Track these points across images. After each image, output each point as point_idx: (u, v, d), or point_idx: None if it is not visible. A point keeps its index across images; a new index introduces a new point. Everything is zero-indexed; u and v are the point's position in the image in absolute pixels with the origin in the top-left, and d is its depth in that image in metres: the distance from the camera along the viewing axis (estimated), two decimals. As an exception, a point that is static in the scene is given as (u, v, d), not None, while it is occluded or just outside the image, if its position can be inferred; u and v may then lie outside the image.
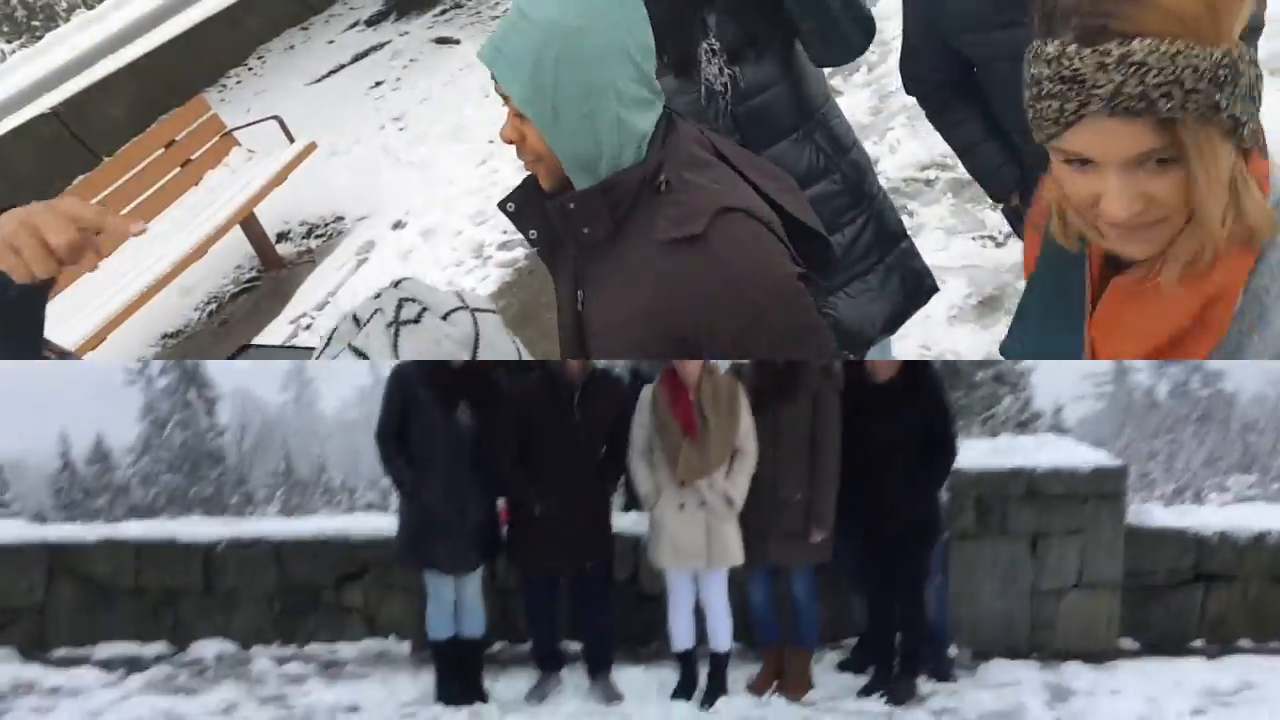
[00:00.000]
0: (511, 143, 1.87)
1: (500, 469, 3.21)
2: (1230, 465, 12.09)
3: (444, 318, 1.53)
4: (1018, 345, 1.66)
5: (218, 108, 9.44)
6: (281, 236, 8.92)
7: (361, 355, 1.48)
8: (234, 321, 8.08)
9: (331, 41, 13.32)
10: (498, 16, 10.78)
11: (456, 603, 3.30)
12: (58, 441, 19.96)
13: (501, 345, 1.57)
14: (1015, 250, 4.66)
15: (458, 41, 11.17)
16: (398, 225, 8.13)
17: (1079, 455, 3.58)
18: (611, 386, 3.31)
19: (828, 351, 2.01)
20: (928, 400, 3.18)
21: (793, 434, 3.12)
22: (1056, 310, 1.54)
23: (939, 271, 3.33)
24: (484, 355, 1.54)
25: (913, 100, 3.04)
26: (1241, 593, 3.64)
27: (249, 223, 8.26)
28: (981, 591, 3.48)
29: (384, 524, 3.75)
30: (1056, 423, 13.33)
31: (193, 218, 8.01)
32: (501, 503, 3.36)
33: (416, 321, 1.51)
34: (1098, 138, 1.23)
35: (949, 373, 12.02)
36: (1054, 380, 13.77)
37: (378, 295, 1.56)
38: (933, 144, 3.03)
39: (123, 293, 7.20)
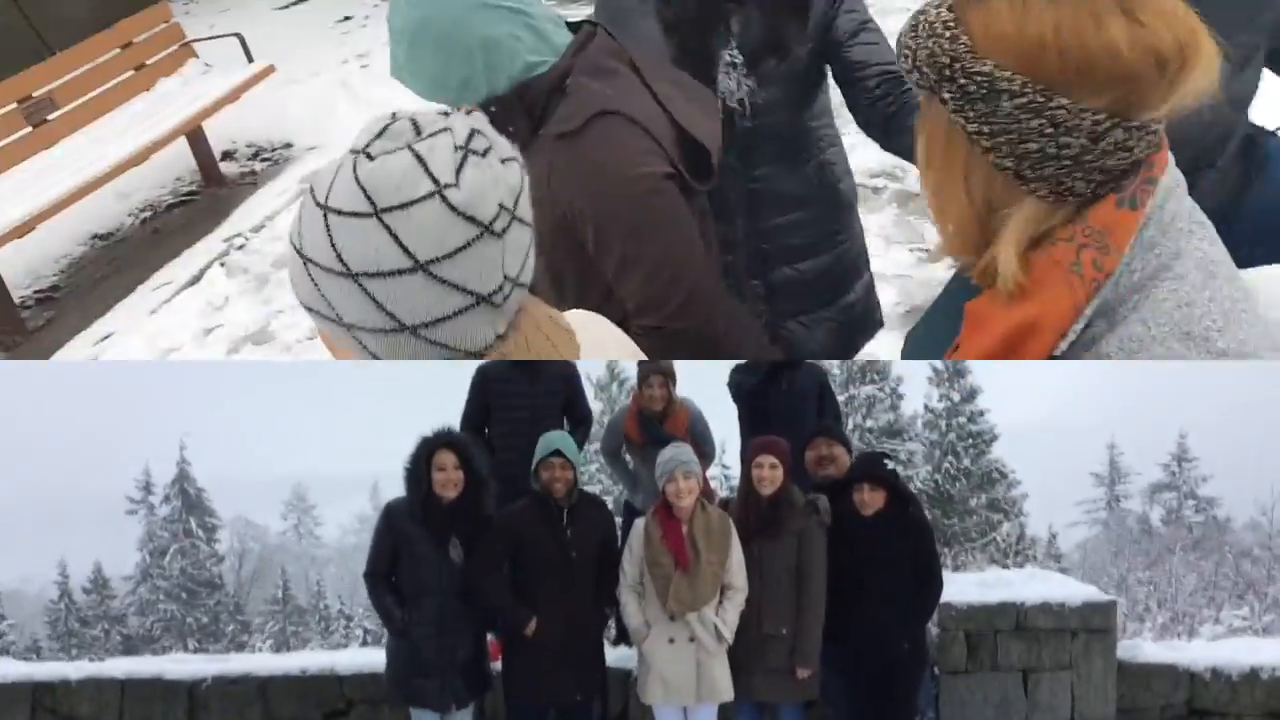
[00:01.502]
0: None
1: (485, 586, 3.18)
2: (1224, 596, 11.97)
3: (503, 162, 1.46)
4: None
5: (181, 19, 9.29)
6: (227, 155, 8.83)
7: (419, 159, 1.39)
8: (166, 232, 7.96)
9: (307, -30, 13.22)
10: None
11: (444, 742, 3.26)
12: (56, 571, 19.79)
13: (527, 207, 1.50)
14: (948, 264, 4.69)
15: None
16: (346, 159, 8.23)
17: (1068, 589, 3.57)
18: (597, 508, 3.30)
19: (687, 249, 2.21)
20: (913, 534, 3.20)
21: (777, 569, 3.12)
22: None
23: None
24: (520, 212, 1.47)
25: None
26: (1236, 729, 3.60)
27: (195, 136, 8.16)
28: (974, 728, 3.45)
29: (370, 660, 3.72)
30: (1052, 550, 13.27)
31: (139, 123, 7.88)
32: (491, 638, 3.35)
33: (483, 155, 1.43)
34: None
35: (942, 500, 12.00)
36: (1046, 507, 13.74)
37: (446, 114, 1.49)
38: (885, 154, 3.04)
39: (57, 186, 7.02)
